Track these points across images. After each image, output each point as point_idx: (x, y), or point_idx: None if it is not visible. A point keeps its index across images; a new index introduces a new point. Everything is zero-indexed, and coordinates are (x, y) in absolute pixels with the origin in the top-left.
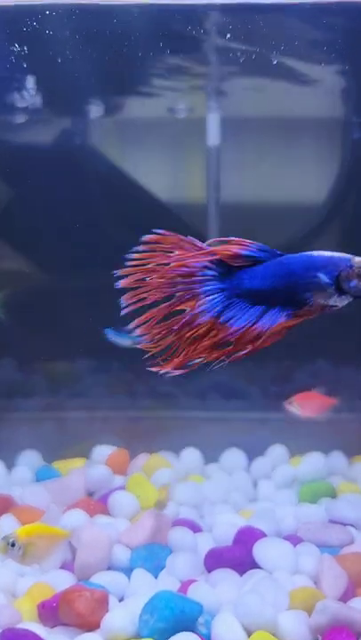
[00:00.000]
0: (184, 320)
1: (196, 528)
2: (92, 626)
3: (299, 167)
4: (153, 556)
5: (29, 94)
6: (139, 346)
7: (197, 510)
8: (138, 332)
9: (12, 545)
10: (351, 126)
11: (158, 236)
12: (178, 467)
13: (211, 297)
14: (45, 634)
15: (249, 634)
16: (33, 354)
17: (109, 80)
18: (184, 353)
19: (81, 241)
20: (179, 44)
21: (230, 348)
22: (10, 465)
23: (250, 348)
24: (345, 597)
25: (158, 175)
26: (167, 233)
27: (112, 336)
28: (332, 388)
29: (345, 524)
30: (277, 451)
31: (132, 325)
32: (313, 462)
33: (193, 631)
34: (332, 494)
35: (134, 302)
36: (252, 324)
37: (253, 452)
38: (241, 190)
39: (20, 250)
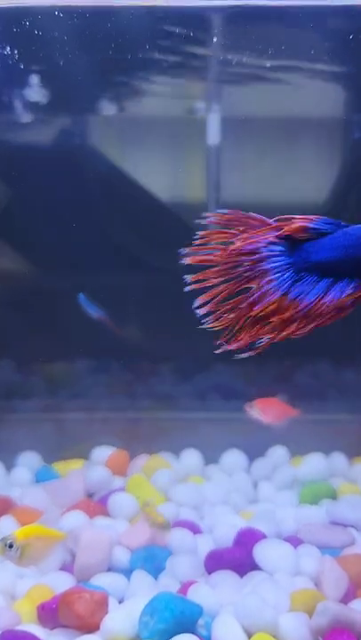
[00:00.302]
0: (252, 298)
1: (196, 529)
2: (91, 627)
3: (299, 167)
4: (153, 557)
5: (28, 94)
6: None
7: (197, 511)
8: (203, 311)
9: (10, 546)
10: (352, 126)
11: (222, 215)
12: (178, 468)
13: (279, 273)
14: (45, 636)
15: (249, 635)
16: (32, 355)
17: (109, 80)
18: (252, 332)
19: (80, 241)
20: (179, 44)
21: (298, 324)
22: (9, 466)
23: (317, 322)
24: (346, 599)
25: (158, 175)
26: (231, 211)
27: (83, 302)
28: (295, 397)
29: (346, 526)
30: (278, 452)
31: (197, 303)
32: (314, 463)
33: (193, 633)
34: (333, 495)
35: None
36: (321, 298)
37: (254, 453)
38: (241, 190)
39: (19, 250)
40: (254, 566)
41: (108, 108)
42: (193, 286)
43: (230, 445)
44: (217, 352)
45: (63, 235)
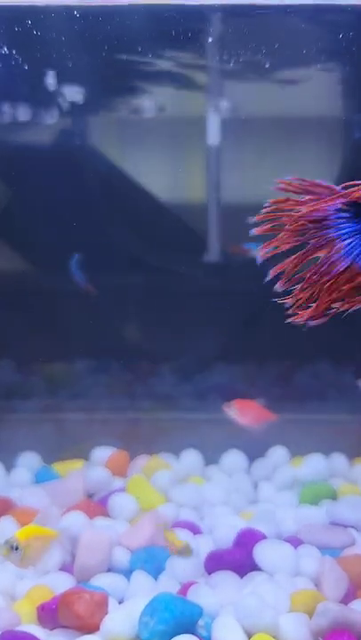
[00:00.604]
0: (323, 266)
1: (196, 530)
2: (91, 628)
3: (299, 167)
4: (153, 558)
5: (27, 95)
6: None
7: (197, 512)
8: (281, 285)
9: (16, 549)
10: (352, 125)
11: (289, 182)
12: (178, 468)
13: (348, 240)
14: (45, 636)
15: (249, 636)
16: (32, 355)
17: (109, 80)
18: (322, 301)
19: (80, 242)
20: (178, 44)
21: None
22: (9, 467)
23: None
24: (346, 600)
25: (158, 175)
26: (296, 178)
27: (73, 266)
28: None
29: (346, 526)
30: (278, 452)
31: (270, 274)
32: (314, 464)
33: (193, 633)
34: (333, 496)
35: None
36: None
37: (254, 454)
38: (241, 190)
39: (19, 250)
40: (254, 567)
41: (107, 109)
42: (263, 256)
43: (230, 446)
44: (289, 321)
45: (63, 235)
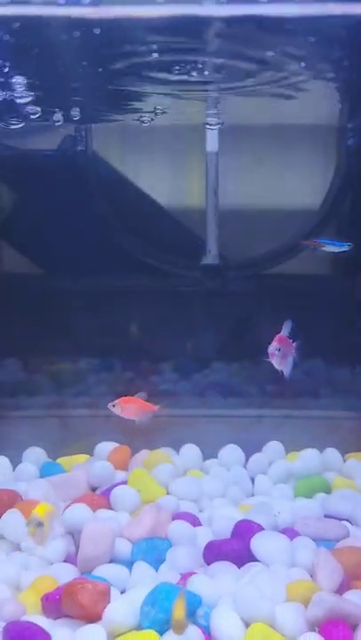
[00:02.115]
0: None
1: (195, 522)
2: (94, 618)
3: (295, 173)
4: (153, 549)
5: (29, 101)
6: None
7: (197, 504)
8: None
9: (40, 525)
10: (345, 132)
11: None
12: (178, 462)
13: None
14: (49, 626)
15: (247, 625)
16: (37, 354)
17: (109, 88)
18: None
19: (83, 244)
20: (177, 52)
21: None
22: (15, 461)
23: None
24: (341, 590)
25: (158, 181)
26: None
27: None
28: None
29: (340, 519)
30: (274, 447)
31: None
32: (308, 458)
33: (192, 623)
34: (327, 490)
35: None
36: None
37: (251, 449)
38: (239, 196)
39: (26, 252)
40: (251, 557)
41: (108, 116)
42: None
43: (228, 441)
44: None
45: (67, 237)
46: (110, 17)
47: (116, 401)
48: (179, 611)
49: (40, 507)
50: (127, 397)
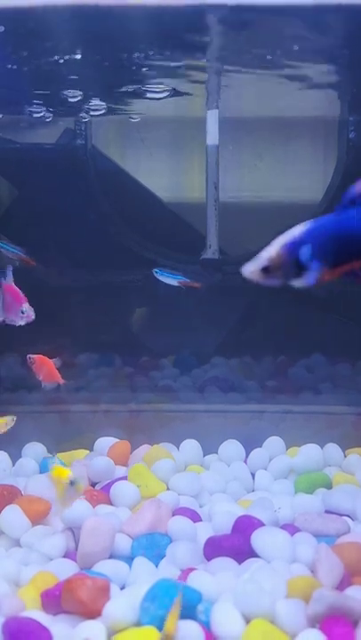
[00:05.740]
0: None
1: (195, 517)
2: (93, 614)
3: (296, 166)
4: (153, 544)
5: (30, 95)
6: None
7: (197, 500)
8: None
9: (72, 483)
10: (347, 125)
11: None
12: (178, 458)
13: None
14: (48, 622)
15: (247, 621)
16: (37, 349)
17: (109, 81)
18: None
19: (83, 240)
20: (178, 44)
21: None
22: (15, 457)
23: None
24: (341, 586)
25: (158, 174)
26: None
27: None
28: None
29: (341, 514)
30: (274, 442)
31: None
32: (309, 454)
33: (193, 619)
34: (328, 485)
35: None
36: None
37: (251, 444)
38: (239, 189)
39: (24, 248)
40: (252, 553)
41: (108, 109)
42: None
43: (228, 436)
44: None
45: (66, 233)
46: (109, 4)
47: (35, 357)
48: (170, 624)
49: (63, 470)
50: (44, 358)
